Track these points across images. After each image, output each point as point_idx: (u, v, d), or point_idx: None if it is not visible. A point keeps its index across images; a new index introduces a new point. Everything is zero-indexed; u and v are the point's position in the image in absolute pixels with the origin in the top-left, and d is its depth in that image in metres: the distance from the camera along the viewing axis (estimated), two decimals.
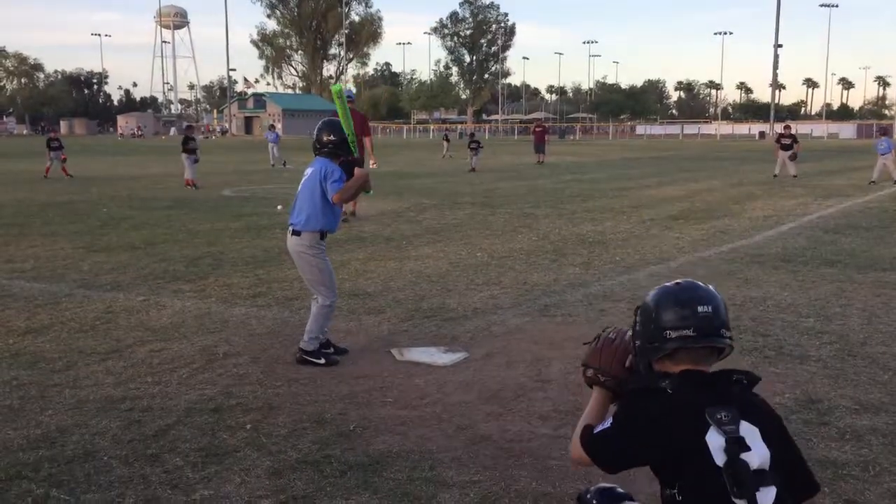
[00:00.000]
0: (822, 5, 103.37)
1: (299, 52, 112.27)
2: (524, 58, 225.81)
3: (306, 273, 5.59)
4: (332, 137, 5.52)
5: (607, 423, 2.17)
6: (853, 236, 11.49)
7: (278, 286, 7.99)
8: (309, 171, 5.56)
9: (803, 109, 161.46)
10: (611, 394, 2.35)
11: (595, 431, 2.20)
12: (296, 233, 5.49)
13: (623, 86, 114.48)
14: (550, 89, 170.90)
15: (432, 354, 5.71)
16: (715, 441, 2.00)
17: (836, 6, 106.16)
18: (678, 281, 2.21)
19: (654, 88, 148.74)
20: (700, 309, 2.10)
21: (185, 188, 20.38)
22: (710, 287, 2.18)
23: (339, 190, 5.36)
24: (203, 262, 9.44)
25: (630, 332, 2.32)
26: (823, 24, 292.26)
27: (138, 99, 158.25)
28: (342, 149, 5.51)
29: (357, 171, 5.53)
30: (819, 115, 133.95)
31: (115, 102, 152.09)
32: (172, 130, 25.22)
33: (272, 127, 34.87)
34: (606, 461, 2.20)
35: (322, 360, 5.45)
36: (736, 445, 2.00)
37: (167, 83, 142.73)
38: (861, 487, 3.65)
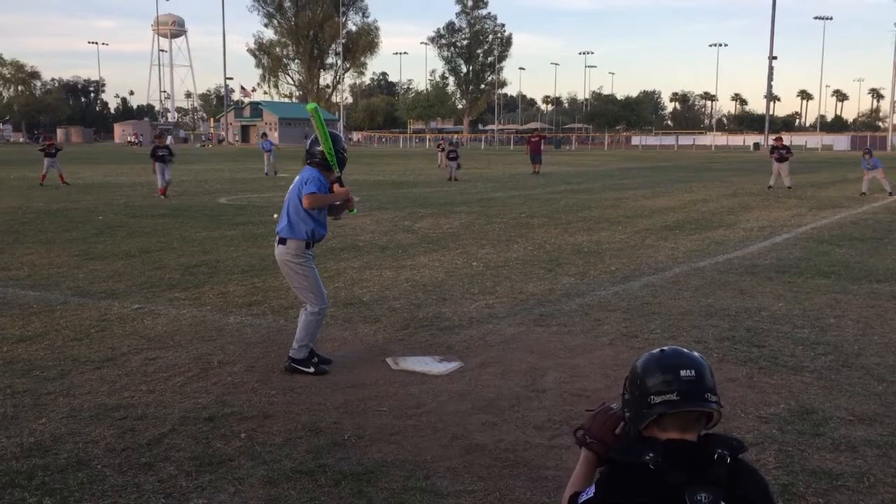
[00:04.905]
0: (816, 18, 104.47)
1: (296, 61, 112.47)
2: (520, 68, 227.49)
3: (293, 281, 5.59)
4: (321, 149, 5.50)
5: (591, 492, 2.20)
6: (847, 247, 11.53)
7: (274, 295, 7.99)
8: (296, 179, 5.57)
9: (798, 121, 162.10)
10: (596, 457, 2.40)
11: (579, 501, 2.23)
12: (281, 241, 5.50)
13: (619, 96, 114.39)
14: (546, 99, 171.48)
15: (427, 364, 5.71)
16: None
17: (831, 19, 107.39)
18: (663, 348, 2.27)
19: (649, 99, 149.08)
20: (683, 373, 2.13)
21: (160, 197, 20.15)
22: (696, 353, 2.23)
23: (312, 195, 5.33)
24: (198, 271, 9.42)
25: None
26: (818, 36, 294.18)
27: (135, 107, 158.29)
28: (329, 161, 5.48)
29: (338, 187, 5.51)
30: (813, 127, 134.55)
31: (112, 110, 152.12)
32: (169, 139, 25.23)
33: (264, 135, 34.86)
34: None
35: (311, 370, 5.44)
36: None
37: (164, 91, 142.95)
38: (856, 499, 3.65)
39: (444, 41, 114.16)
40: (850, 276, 9.21)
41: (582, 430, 2.43)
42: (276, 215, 6.17)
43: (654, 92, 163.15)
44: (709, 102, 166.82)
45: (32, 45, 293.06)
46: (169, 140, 24.02)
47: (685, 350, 2.23)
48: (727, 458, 2.06)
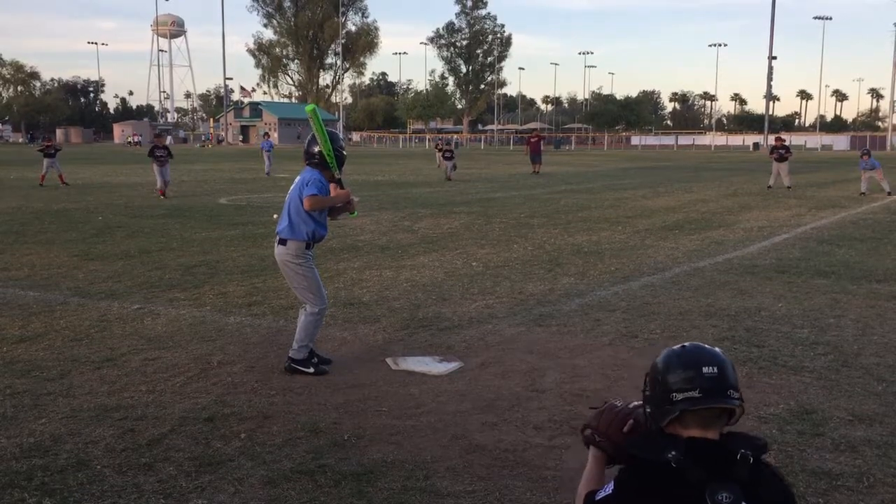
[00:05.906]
0: (816, 17, 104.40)
1: (295, 61, 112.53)
2: (520, 68, 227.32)
3: (292, 282, 5.59)
4: (319, 149, 5.49)
5: (609, 489, 2.18)
6: (847, 247, 11.53)
7: (274, 295, 7.99)
8: (297, 180, 5.57)
9: (797, 121, 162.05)
10: (605, 456, 2.39)
11: (597, 498, 2.21)
12: (281, 241, 5.49)
13: (618, 96, 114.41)
14: (546, 99, 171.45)
15: (427, 364, 5.71)
16: None
17: (830, 19, 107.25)
18: (684, 344, 2.24)
19: (649, 99, 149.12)
20: (705, 370, 2.11)
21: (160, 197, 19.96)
22: (717, 350, 2.21)
23: (313, 197, 5.34)
24: (198, 271, 9.42)
25: (635, 403, 2.35)
26: (817, 36, 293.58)
27: (134, 107, 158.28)
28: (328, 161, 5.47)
29: (339, 189, 5.49)
30: (813, 127, 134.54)
31: (111, 111, 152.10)
32: (169, 139, 25.18)
33: (266, 135, 34.89)
34: None
35: (311, 370, 5.44)
36: None
37: (163, 92, 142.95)
38: (855, 499, 3.65)
39: (443, 41, 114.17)
40: (850, 276, 9.21)
41: (590, 428, 2.42)
42: (275, 215, 6.17)
43: (653, 92, 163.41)
44: (708, 102, 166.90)
45: (32, 45, 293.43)
46: (168, 140, 23.94)
47: (707, 346, 2.20)
48: (750, 458, 2.04)
